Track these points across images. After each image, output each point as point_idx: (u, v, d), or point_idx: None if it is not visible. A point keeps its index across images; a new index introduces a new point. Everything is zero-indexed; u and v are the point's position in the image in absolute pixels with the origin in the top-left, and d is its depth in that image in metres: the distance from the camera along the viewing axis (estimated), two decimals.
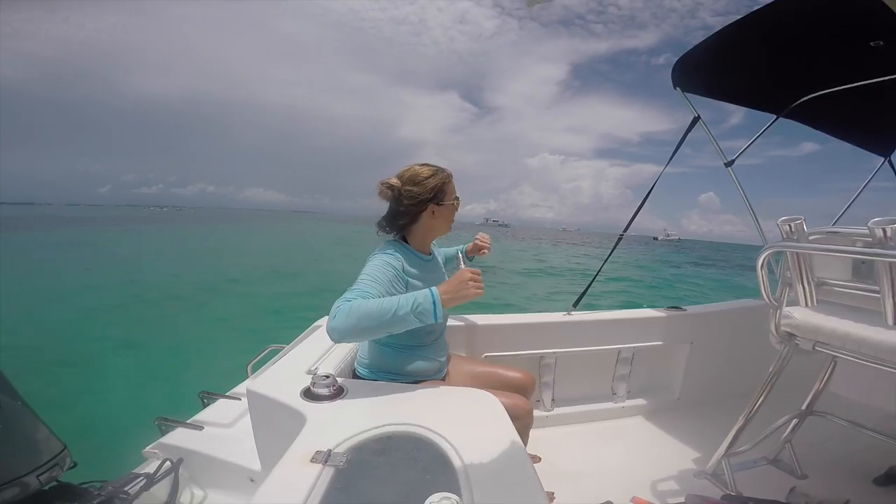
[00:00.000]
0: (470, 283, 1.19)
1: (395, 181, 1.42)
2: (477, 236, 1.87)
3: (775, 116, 2.44)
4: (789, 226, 1.42)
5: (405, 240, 1.49)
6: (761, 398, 1.62)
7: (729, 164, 2.33)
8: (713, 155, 2.42)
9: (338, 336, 1.11)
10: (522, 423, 1.40)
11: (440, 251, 1.73)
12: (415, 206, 1.42)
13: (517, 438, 1.00)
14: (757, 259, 1.45)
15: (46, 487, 1.10)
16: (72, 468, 1.18)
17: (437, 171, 1.45)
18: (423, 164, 1.46)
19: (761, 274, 1.45)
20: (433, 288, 1.18)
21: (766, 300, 1.52)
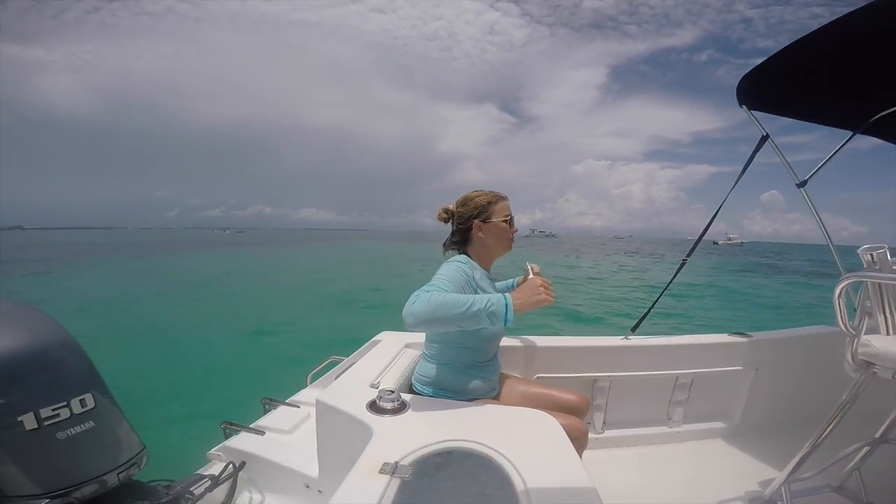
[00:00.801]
0: (541, 288, 1.25)
1: (451, 206, 1.61)
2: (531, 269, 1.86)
3: (851, 133, 2.29)
4: (871, 255, 1.42)
5: (469, 255, 1.58)
6: (831, 425, 1.59)
7: (802, 184, 2.18)
8: (772, 152, 2.26)
9: (413, 321, 1.15)
10: (578, 444, 1.40)
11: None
12: (464, 225, 1.57)
13: (577, 459, 1.00)
14: (834, 289, 1.44)
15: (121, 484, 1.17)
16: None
17: (487, 193, 1.59)
18: (477, 190, 1.60)
19: (838, 303, 1.44)
20: (506, 293, 1.24)
21: (844, 329, 1.50)
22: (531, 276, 1.36)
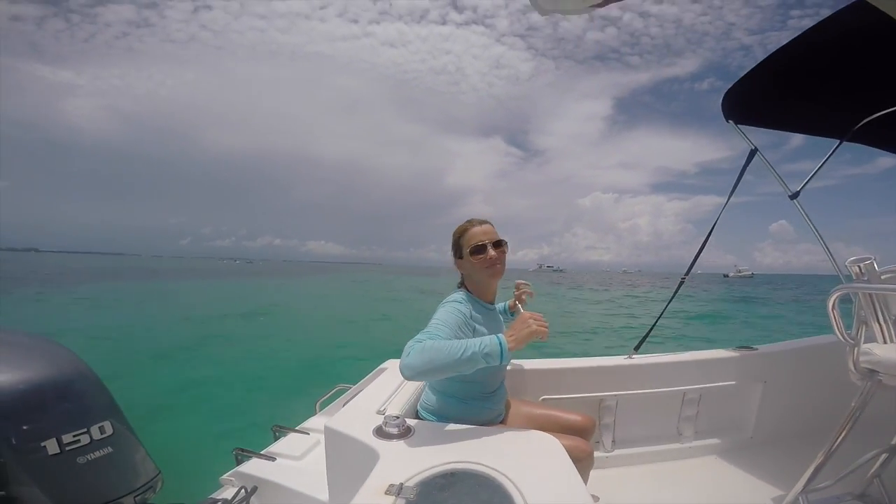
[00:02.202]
0: (531, 321, 1.23)
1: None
2: (517, 283, 1.87)
3: (838, 141, 2.30)
4: (859, 267, 1.46)
5: (468, 290, 1.55)
6: (843, 434, 1.58)
7: (794, 195, 2.20)
8: (768, 167, 2.27)
9: (410, 373, 1.16)
10: (583, 465, 1.39)
11: (498, 306, 1.79)
12: (455, 262, 1.55)
13: (579, 480, 1.01)
14: (827, 300, 1.46)
15: None
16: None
17: (459, 226, 1.54)
18: (462, 223, 1.56)
19: (833, 314, 1.47)
20: (499, 335, 1.22)
21: (841, 338, 1.52)
22: (522, 312, 1.35)
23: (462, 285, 1.56)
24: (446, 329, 1.28)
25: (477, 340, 1.19)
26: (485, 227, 1.50)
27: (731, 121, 2.23)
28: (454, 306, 1.39)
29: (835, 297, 1.46)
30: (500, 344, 1.18)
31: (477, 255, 1.45)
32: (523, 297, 1.83)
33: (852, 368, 1.57)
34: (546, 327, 1.23)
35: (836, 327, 1.49)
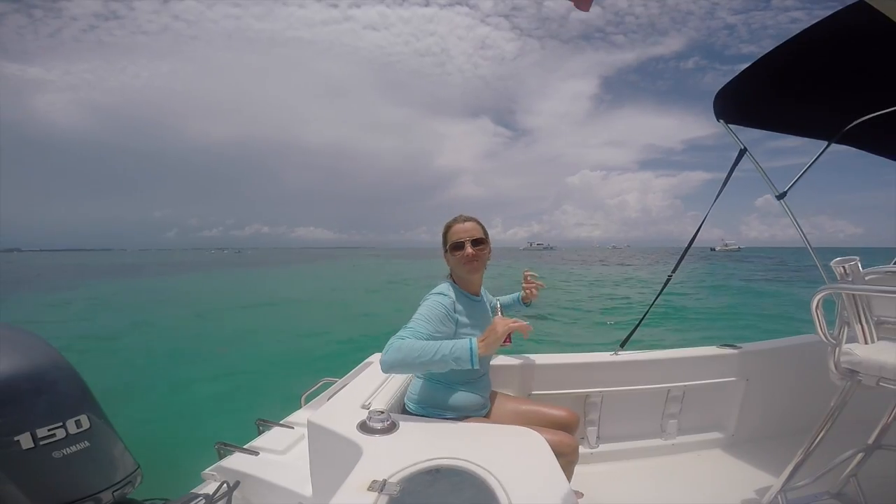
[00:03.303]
0: (498, 327, 1.30)
1: None
2: (525, 273, 1.96)
3: (827, 143, 2.35)
4: (843, 268, 1.46)
5: (454, 281, 1.61)
6: (822, 433, 1.60)
7: (781, 196, 2.22)
8: (765, 157, 2.31)
9: (386, 368, 1.29)
10: (567, 459, 1.42)
11: (490, 298, 1.84)
12: (443, 254, 1.63)
13: (561, 475, 1.02)
14: (811, 300, 1.47)
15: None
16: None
17: (449, 221, 1.63)
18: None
19: (816, 314, 1.47)
20: (472, 338, 1.31)
21: (824, 339, 1.53)
22: (496, 317, 1.38)
23: (450, 276, 1.63)
24: (427, 325, 1.36)
25: (449, 344, 1.28)
26: (468, 224, 1.58)
27: (721, 120, 2.26)
28: (437, 300, 1.46)
29: (819, 297, 1.47)
30: (471, 350, 1.27)
31: (455, 251, 1.55)
32: (534, 290, 1.94)
33: (833, 368, 1.58)
34: (518, 326, 1.31)
35: (818, 327, 1.51)
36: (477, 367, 1.29)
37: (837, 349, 1.56)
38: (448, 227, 1.60)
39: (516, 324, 1.32)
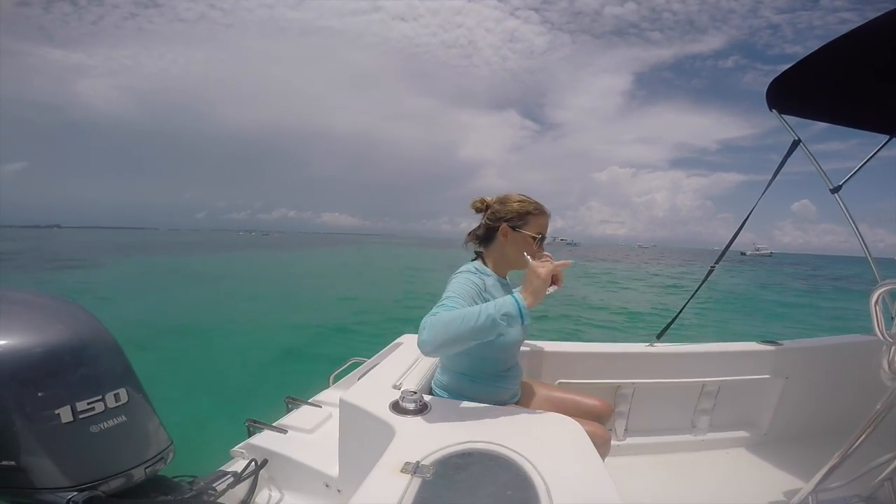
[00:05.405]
0: (538, 268, 1.18)
1: (489, 198, 1.50)
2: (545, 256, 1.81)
3: (888, 137, 2.21)
4: None
5: (484, 262, 1.50)
6: (864, 435, 1.51)
7: (836, 189, 2.12)
8: (804, 160, 2.18)
9: (429, 348, 1.12)
10: (600, 451, 1.37)
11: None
12: (492, 223, 1.45)
13: (602, 465, 0.98)
14: (871, 296, 1.40)
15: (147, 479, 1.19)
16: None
17: (530, 201, 1.45)
18: (522, 195, 1.48)
19: (875, 310, 1.39)
20: (514, 292, 1.19)
21: (880, 336, 1.45)
22: (529, 263, 1.24)
23: (477, 242, 1.52)
24: (461, 301, 1.23)
25: (492, 303, 1.14)
26: (548, 220, 1.48)
27: (774, 110, 2.15)
28: (467, 277, 1.36)
29: (879, 292, 1.37)
30: (517, 302, 1.13)
31: (534, 242, 1.43)
32: (559, 274, 1.62)
33: (886, 368, 1.49)
34: (560, 264, 1.22)
35: (875, 324, 1.42)
36: (529, 321, 1.17)
37: (893, 348, 1.47)
38: (537, 212, 1.44)
39: (557, 263, 1.20)
